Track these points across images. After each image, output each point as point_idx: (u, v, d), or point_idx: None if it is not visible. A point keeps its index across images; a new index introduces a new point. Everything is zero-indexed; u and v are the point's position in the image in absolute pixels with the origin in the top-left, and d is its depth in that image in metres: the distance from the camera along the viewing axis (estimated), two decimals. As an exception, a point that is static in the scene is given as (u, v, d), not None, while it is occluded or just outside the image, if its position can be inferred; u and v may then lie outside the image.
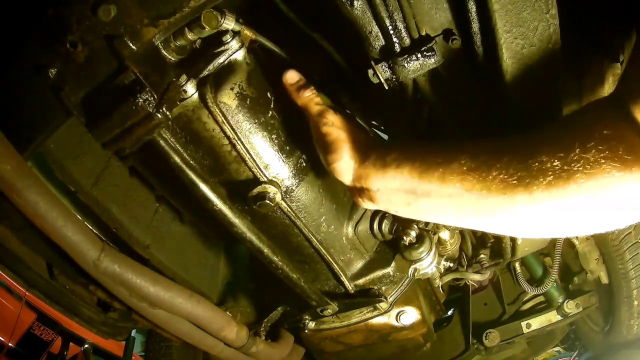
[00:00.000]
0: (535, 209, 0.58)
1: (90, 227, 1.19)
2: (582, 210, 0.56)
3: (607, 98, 0.61)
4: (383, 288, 1.25)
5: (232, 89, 0.90)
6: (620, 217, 0.57)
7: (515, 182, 0.59)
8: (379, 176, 0.76)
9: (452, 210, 0.68)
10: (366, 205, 0.84)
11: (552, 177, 0.56)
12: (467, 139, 0.72)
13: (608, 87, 1.09)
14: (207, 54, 0.89)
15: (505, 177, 0.60)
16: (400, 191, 0.73)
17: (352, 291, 1.23)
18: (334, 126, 0.86)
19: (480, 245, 1.77)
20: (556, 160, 0.56)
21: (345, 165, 0.83)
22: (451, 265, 1.67)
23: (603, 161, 0.53)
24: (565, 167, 0.55)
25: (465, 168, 0.64)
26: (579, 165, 0.54)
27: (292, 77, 0.92)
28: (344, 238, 1.17)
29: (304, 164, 1.03)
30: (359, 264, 1.22)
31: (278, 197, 0.97)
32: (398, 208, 0.77)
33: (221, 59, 0.89)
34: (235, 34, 0.89)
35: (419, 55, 0.81)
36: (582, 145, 0.54)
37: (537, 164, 0.57)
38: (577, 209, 0.56)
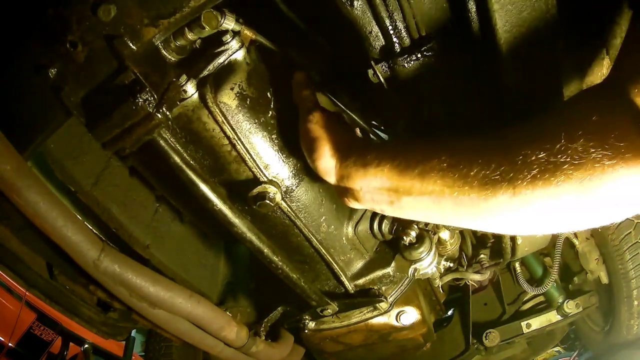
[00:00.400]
0: (520, 204, 0.55)
1: (90, 227, 1.19)
2: (571, 205, 0.52)
3: (597, 85, 0.57)
4: (383, 288, 1.25)
5: (232, 89, 0.90)
6: (613, 212, 0.53)
7: (497, 177, 0.56)
8: (360, 175, 0.75)
9: (434, 208, 0.66)
10: (352, 204, 0.83)
11: (537, 170, 0.52)
12: (448, 135, 0.70)
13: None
14: (207, 54, 0.89)
15: (487, 172, 0.57)
16: (382, 190, 0.72)
17: (352, 291, 1.23)
18: (317, 124, 0.86)
19: (480, 245, 1.77)
20: (542, 153, 0.52)
21: (326, 164, 0.82)
22: (451, 265, 1.67)
23: (592, 150, 0.49)
24: (552, 159, 0.51)
25: (445, 165, 0.62)
26: (566, 156, 0.50)
27: (300, 76, 0.96)
28: (344, 238, 1.17)
29: (304, 164, 1.03)
30: (359, 264, 1.22)
31: (278, 197, 0.97)
32: (382, 207, 0.76)
33: (221, 59, 0.89)
34: (235, 34, 0.89)
35: (419, 55, 0.81)
36: (569, 135, 0.51)
37: (520, 157, 0.54)
38: (565, 203, 0.52)
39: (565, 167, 0.51)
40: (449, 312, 2.32)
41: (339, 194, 0.86)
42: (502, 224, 0.61)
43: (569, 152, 0.50)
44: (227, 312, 1.39)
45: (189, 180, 0.92)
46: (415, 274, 1.19)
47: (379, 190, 0.73)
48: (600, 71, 1.06)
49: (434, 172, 0.63)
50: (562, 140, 0.51)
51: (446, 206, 0.64)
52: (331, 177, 0.83)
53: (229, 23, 0.87)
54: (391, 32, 0.81)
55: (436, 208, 0.66)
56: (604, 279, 2.04)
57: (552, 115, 0.59)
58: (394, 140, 0.99)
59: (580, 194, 0.51)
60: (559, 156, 0.51)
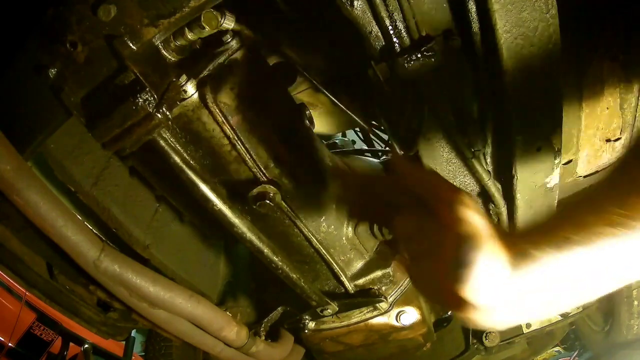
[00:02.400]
0: None
1: (90, 227, 1.19)
2: None
3: None
4: (383, 288, 1.25)
5: (232, 89, 0.90)
6: None
7: None
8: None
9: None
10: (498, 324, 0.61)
11: None
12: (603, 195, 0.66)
13: (607, 87, 1.09)
14: (207, 54, 0.89)
15: None
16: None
17: (352, 291, 1.23)
18: (476, 214, 0.61)
19: (480, 245, 1.76)
20: None
21: (491, 269, 0.57)
22: (451, 265, 1.66)
23: None
24: None
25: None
26: None
27: (469, 200, 0.68)
28: (344, 238, 1.17)
29: (304, 165, 1.03)
30: (359, 264, 1.22)
31: (278, 197, 0.97)
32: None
33: (221, 59, 0.89)
34: (235, 34, 0.89)
35: (419, 55, 0.81)
36: None
37: None
38: None
39: None
40: (449, 312, 2.31)
41: (466, 313, 0.61)
42: None
43: None
44: (227, 312, 1.39)
45: (189, 180, 0.92)
46: (415, 274, 1.18)
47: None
48: (601, 71, 1.06)
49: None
50: None
51: None
52: (487, 290, 0.59)
53: (229, 23, 0.87)
54: (391, 32, 0.81)
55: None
56: (604, 279, 2.03)
57: None
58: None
59: None
60: None
